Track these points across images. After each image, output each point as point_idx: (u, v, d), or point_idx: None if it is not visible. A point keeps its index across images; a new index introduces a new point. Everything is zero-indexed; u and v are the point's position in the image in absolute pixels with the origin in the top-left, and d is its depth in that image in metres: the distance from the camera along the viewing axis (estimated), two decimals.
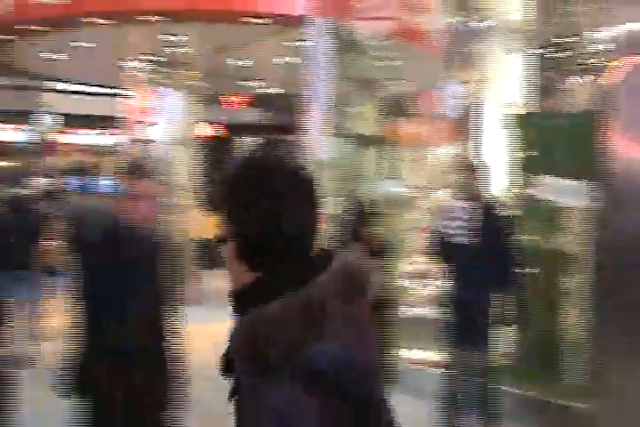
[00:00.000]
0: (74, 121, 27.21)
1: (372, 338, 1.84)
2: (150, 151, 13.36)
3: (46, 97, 25.59)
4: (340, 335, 1.70)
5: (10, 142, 26.88)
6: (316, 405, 1.66)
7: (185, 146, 13.33)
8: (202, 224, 13.73)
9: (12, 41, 12.35)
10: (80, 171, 25.33)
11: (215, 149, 21.40)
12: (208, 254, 13.97)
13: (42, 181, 11.23)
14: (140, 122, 12.72)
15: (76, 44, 12.23)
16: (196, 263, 13.16)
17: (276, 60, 13.13)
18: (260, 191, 1.71)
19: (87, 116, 26.76)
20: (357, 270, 1.79)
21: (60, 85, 24.12)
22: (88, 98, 25.20)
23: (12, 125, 26.85)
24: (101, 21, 10.84)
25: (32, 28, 11.39)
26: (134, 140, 11.53)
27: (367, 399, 1.78)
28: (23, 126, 26.90)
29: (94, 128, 27.65)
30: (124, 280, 3.88)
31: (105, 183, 21.18)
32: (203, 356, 8.01)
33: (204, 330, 10.42)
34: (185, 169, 13.32)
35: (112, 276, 3.83)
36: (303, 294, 1.67)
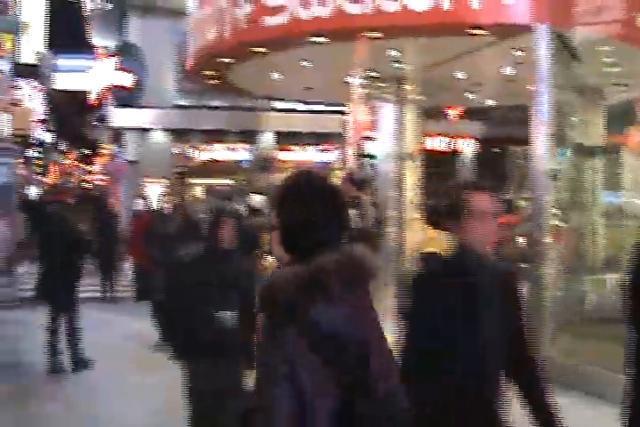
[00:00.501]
0: (294, 138, 27.97)
1: (370, 321, 2.49)
2: (374, 166, 13.50)
3: (268, 116, 26.39)
4: (338, 304, 2.36)
5: (233, 161, 28.03)
6: (318, 363, 2.28)
7: (408, 160, 13.35)
8: (428, 238, 13.68)
9: (235, 63, 12.84)
10: None
11: (438, 162, 21.39)
12: None
13: (260, 198, 11.56)
14: (362, 137, 12.88)
15: (299, 63, 12.54)
16: None
17: (495, 71, 12.93)
18: (296, 199, 2.56)
19: (308, 133, 27.44)
20: (356, 260, 2.44)
21: (279, 104, 24.85)
22: (308, 115, 25.86)
23: (236, 144, 27.94)
24: (321, 40, 11.05)
25: (255, 49, 11.78)
26: (357, 156, 11.68)
27: (365, 381, 2.35)
28: (246, 145, 27.96)
29: (315, 145, 28.29)
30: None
31: None
32: None
33: None
34: (409, 183, 13.33)
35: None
36: (312, 265, 2.38)
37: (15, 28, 15.77)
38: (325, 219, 2.49)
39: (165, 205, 10.05)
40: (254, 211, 11.38)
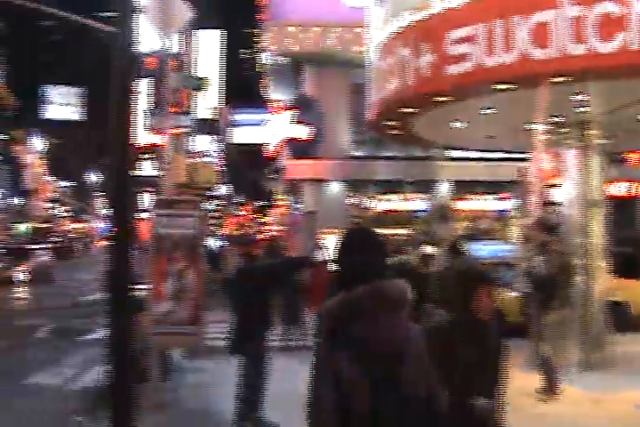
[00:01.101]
0: (470, 187, 27.69)
1: (402, 337, 3.22)
2: (559, 213, 13.14)
3: (443, 165, 26.25)
4: (368, 323, 3.18)
5: (408, 211, 27.97)
6: (355, 369, 3.09)
7: (594, 206, 12.92)
8: (613, 286, 13.25)
9: (418, 112, 12.86)
10: (474, 236, 25.65)
11: (621, 208, 20.66)
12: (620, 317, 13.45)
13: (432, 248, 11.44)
14: (545, 184, 12.57)
15: (481, 111, 12.42)
16: (608, 327, 12.61)
17: None
18: (344, 250, 3.46)
19: (484, 182, 27.10)
20: (385, 290, 3.28)
21: (454, 153, 24.70)
22: (483, 164, 25.56)
23: (412, 195, 27.90)
24: (506, 86, 10.91)
25: (438, 98, 11.75)
26: (542, 203, 11.40)
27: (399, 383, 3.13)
28: (422, 195, 27.87)
29: (492, 193, 27.89)
30: None
31: (501, 248, 21.15)
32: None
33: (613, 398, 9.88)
34: (595, 230, 12.88)
35: None
36: (350, 294, 3.25)
37: (194, 85, 16.41)
38: (362, 263, 3.34)
39: None
40: (426, 260, 11.25)
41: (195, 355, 11.91)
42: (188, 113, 13.69)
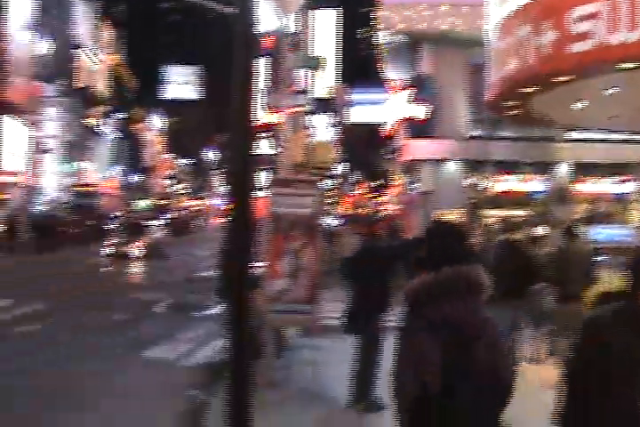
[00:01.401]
0: (590, 169, 27.02)
1: (475, 316, 3.45)
2: None
3: (562, 146, 25.70)
4: (446, 301, 3.42)
5: (526, 192, 27.47)
6: (437, 348, 3.31)
7: None
8: None
9: (538, 92, 12.57)
10: (593, 219, 25.02)
11: None
12: None
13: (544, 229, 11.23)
14: None
15: (604, 90, 12.07)
16: None
17: None
18: (431, 239, 3.78)
19: (605, 164, 26.39)
20: (467, 274, 3.52)
21: (575, 134, 24.13)
22: (605, 145, 24.87)
23: (530, 176, 27.40)
24: (630, 65, 10.56)
25: (559, 78, 11.46)
26: None
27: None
28: (540, 176, 27.34)
29: (612, 176, 27.14)
30: None
31: (619, 233, 20.51)
32: None
33: None
34: None
35: None
36: (433, 277, 3.48)
37: (311, 64, 16.40)
38: (444, 249, 3.63)
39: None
40: (536, 241, 11.04)
41: (309, 334, 11.98)
42: (305, 92, 13.71)
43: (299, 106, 12.86)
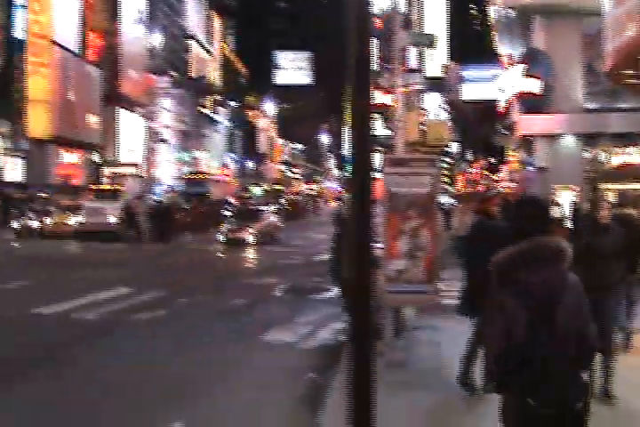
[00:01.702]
0: None
1: (559, 284, 3.91)
2: None
3: None
4: (533, 270, 3.90)
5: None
6: (523, 315, 3.83)
7: None
8: None
9: None
10: None
11: None
12: None
13: None
14: None
15: None
16: None
17: None
18: (520, 211, 4.22)
19: None
20: (549, 245, 3.97)
21: None
22: None
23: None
24: None
25: None
26: None
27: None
28: None
29: None
30: None
31: None
32: None
33: None
34: None
35: None
36: (519, 248, 3.96)
37: (423, 42, 16.15)
38: (532, 222, 4.03)
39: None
40: None
41: (428, 313, 11.87)
42: (417, 71, 13.51)
43: (412, 85, 12.70)
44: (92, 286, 18.00)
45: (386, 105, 15.26)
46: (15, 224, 36.39)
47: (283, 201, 62.20)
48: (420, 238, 9.51)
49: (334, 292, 17.72)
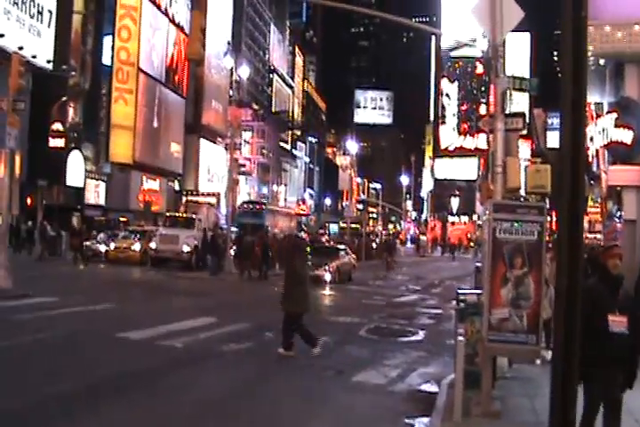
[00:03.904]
0: None
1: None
2: None
3: None
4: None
5: None
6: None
7: None
8: None
9: None
10: None
11: None
12: None
13: None
14: None
15: None
16: None
17: None
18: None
19: None
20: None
21: None
22: None
23: None
24: None
25: None
26: None
27: None
28: None
29: None
30: None
31: None
32: None
33: None
34: None
35: None
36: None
37: (529, 86, 15.99)
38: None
39: None
40: None
41: (530, 364, 11.63)
42: (521, 115, 13.35)
43: (512, 129, 12.57)
44: (175, 314, 18.15)
45: (480, 149, 15.09)
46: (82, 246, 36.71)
47: (361, 240, 61.85)
48: (525, 287, 9.33)
49: (419, 335, 17.55)
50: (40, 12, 40.48)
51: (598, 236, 36.79)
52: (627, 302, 7.40)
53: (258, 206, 58.25)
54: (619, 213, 28.13)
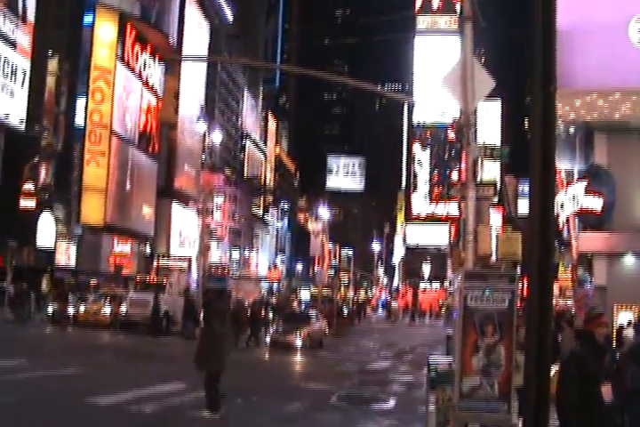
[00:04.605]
0: None
1: None
2: None
3: None
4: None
5: None
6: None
7: None
8: None
9: None
10: None
11: None
12: None
13: None
14: None
15: None
16: None
17: None
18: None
19: None
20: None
21: None
22: None
23: None
24: None
25: None
26: None
27: None
28: None
29: None
30: None
31: None
32: None
33: None
34: None
35: None
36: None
37: (498, 155, 16.29)
38: None
39: None
40: None
41: None
42: (493, 184, 13.53)
43: (483, 197, 12.71)
44: (144, 378, 17.90)
45: (452, 217, 15.23)
46: (50, 309, 36.22)
47: (330, 306, 61.54)
48: (496, 355, 9.32)
49: (391, 403, 17.38)
50: (14, 72, 40.70)
51: (569, 302, 36.81)
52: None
53: (220, 271, 58.07)
54: (589, 280, 28.26)
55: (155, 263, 56.52)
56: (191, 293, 41.51)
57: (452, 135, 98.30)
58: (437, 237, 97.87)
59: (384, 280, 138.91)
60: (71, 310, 36.21)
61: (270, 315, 45.50)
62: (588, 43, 25.02)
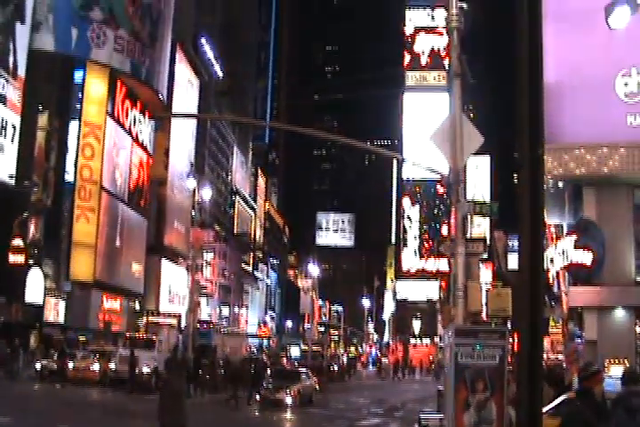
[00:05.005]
0: None
1: None
2: None
3: None
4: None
5: None
6: None
7: None
8: None
9: None
10: None
11: None
12: None
13: None
14: None
15: None
16: None
17: None
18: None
19: None
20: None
21: None
22: None
23: None
24: None
25: None
26: None
27: None
28: None
29: None
30: None
31: None
32: None
33: None
34: None
35: None
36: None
37: (489, 211, 16.36)
38: None
39: None
40: None
41: None
42: (482, 240, 13.58)
43: (473, 254, 12.73)
44: None
45: (442, 272, 15.24)
46: (37, 365, 35.87)
47: (322, 363, 61.01)
48: (487, 411, 9.26)
49: None
50: (4, 127, 40.87)
51: (560, 356, 36.63)
52: None
53: (205, 326, 57.91)
54: (580, 334, 28.18)
55: (144, 320, 56.19)
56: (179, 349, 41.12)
57: (441, 190, 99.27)
58: (427, 292, 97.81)
59: (374, 336, 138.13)
60: (59, 367, 35.85)
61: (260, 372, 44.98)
62: (576, 97, 25.40)
